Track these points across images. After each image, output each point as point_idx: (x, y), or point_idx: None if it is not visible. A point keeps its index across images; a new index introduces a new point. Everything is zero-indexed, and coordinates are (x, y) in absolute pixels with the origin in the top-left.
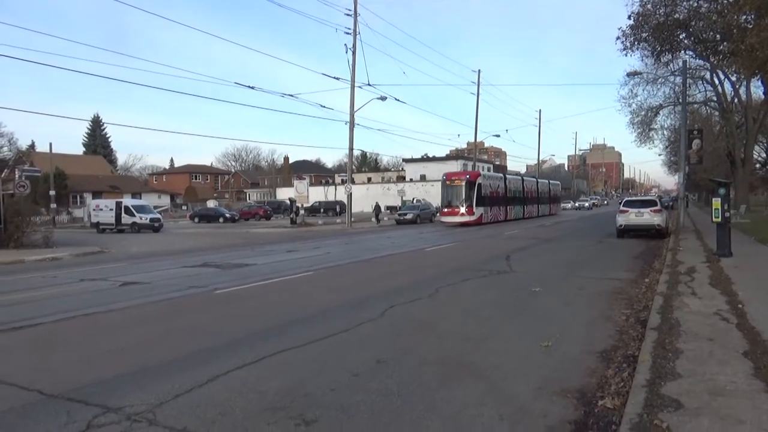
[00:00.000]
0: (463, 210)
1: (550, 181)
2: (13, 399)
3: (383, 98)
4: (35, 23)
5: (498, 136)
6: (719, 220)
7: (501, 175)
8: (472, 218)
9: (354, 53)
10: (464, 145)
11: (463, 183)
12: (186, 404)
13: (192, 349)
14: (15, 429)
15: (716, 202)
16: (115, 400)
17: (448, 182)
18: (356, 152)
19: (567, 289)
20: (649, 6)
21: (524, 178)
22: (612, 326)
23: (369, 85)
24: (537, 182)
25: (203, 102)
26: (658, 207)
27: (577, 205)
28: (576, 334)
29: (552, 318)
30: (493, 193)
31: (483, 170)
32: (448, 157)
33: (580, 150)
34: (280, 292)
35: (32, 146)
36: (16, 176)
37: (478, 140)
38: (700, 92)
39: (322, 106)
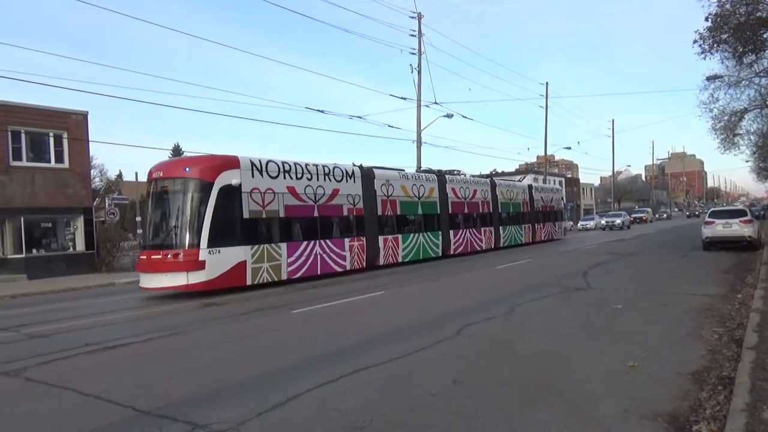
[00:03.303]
0: (171, 254)
1: (535, 186)
2: (112, 415)
3: (450, 116)
4: (111, 58)
5: (569, 148)
6: None
7: (351, 170)
8: (200, 278)
9: (419, 73)
10: (534, 159)
11: (182, 189)
12: (268, 422)
13: (272, 368)
14: None
15: None
16: (202, 417)
17: (152, 187)
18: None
19: (651, 306)
20: (728, 6)
21: (452, 177)
22: (703, 345)
23: (435, 103)
24: (493, 187)
25: (275, 127)
26: (749, 217)
27: (604, 222)
28: (663, 354)
29: (636, 337)
30: (298, 211)
31: (548, 183)
32: (517, 172)
33: (658, 159)
34: (355, 312)
35: (120, 176)
36: (107, 204)
37: (548, 153)
38: None
39: (389, 126)
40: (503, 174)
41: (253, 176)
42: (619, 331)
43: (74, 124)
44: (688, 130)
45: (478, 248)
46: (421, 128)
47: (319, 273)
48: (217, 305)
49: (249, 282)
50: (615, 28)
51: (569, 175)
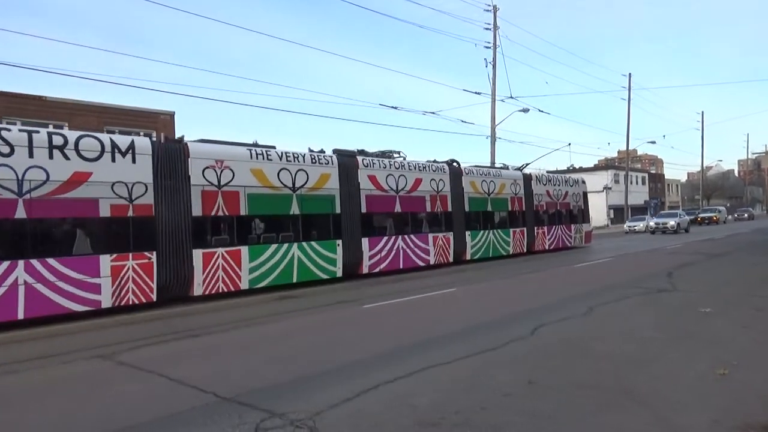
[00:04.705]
0: None
1: (537, 176)
2: (194, 399)
3: (525, 110)
4: (195, 60)
5: (653, 142)
6: None
7: (126, 144)
8: None
9: (494, 67)
10: (615, 154)
11: None
12: (342, 414)
13: (344, 361)
14: (196, 426)
15: None
16: (279, 406)
17: None
18: (498, 166)
19: (743, 310)
20: None
21: (370, 161)
22: None
23: (511, 97)
24: (455, 175)
25: (349, 124)
26: None
27: (653, 224)
28: (758, 362)
29: (727, 343)
30: None
31: (633, 181)
32: (596, 167)
33: (753, 154)
34: (426, 308)
35: None
36: None
37: (630, 148)
38: None
39: (462, 121)
40: (580, 170)
41: None
42: (707, 336)
43: (162, 124)
44: None
45: (421, 263)
46: (496, 123)
47: (22, 316)
48: (294, 298)
49: None
50: (705, 13)
51: (653, 171)
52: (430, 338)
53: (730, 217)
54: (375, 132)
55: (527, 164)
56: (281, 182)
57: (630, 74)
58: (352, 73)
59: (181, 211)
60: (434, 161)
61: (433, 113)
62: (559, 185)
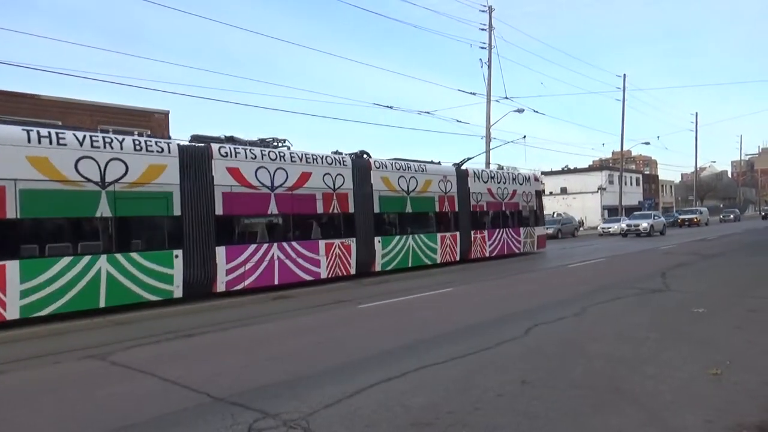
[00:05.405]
0: None
1: (475, 172)
2: (187, 400)
3: (520, 110)
4: (191, 59)
5: (647, 143)
6: None
7: None
8: None
9: (489, 67)
10: (609, 155)
11: None
12: (336, 414)
13: (339, 361)
14: (189, 427)
15: None
16: (272, 406)
17: None
18: (493, 166)
19: (737, 311)
20: None
21: (232, 149)
22: None
23: (506, 98)
24: (361, 170)
25: (346, 124)
26: None
27: (625, 225)
28: (751, 363)
29: (720, 343)
30: None
31: (627, 182)
32: (591, 168)
33: (746, 155)
34: (421, 309)
35: None
36: None
37: (625, 149)
38: None
39: (458, 121)
40: (575, 171)
41: None
42: (700, 336)
43: (156, 123)
44: None
45: (308, 276)
46: (491, 123)
47: None
48: (286, 298)
49: None
50: (699, 15)
51: (647, 172)
52: (424, 338)
53: (715, 218)
54: (371, 132)
55: (468, 159)
56: (81, 175)
57: (624, 75)
58: (348, 73)
59: None
60: (336, 152)
61: (428, 113)
62: (504, 183)
